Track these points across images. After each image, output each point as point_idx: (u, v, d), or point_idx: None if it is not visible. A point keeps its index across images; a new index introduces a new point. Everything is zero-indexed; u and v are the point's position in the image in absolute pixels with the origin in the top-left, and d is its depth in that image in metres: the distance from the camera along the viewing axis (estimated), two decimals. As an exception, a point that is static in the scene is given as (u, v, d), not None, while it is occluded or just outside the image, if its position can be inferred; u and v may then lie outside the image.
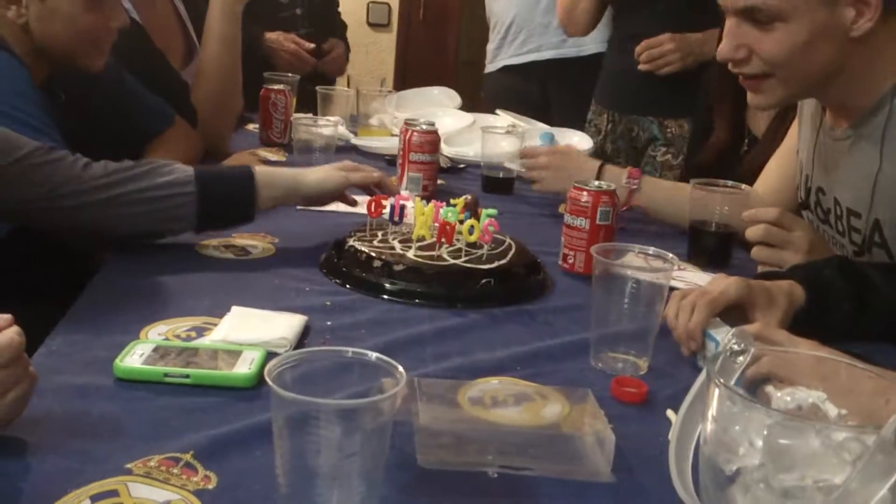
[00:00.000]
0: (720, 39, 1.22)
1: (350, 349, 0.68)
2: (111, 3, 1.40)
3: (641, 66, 2.18)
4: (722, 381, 0.60)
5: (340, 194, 1.37)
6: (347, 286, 1.18)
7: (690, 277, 1.31)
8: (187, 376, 0.87)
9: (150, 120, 1.60)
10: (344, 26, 2.78)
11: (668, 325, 1.03)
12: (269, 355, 0.92)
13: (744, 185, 1.42)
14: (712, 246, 1.41)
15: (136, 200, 1.18)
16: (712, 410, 0.61)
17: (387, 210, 1.26)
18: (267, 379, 0.63)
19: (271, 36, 2.44)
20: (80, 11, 1.35)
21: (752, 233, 1.25)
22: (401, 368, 0.65)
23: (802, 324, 1.03)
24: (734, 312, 1.02)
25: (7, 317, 0.75)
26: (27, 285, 1.30)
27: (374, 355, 0.67)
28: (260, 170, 1.27)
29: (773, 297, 1.04)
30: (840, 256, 1.19)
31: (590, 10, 2.31)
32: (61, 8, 1.34)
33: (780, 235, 1.23)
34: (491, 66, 2.79)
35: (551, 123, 2.37)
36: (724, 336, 0.96)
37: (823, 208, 1.32)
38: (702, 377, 0.67)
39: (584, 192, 1.28)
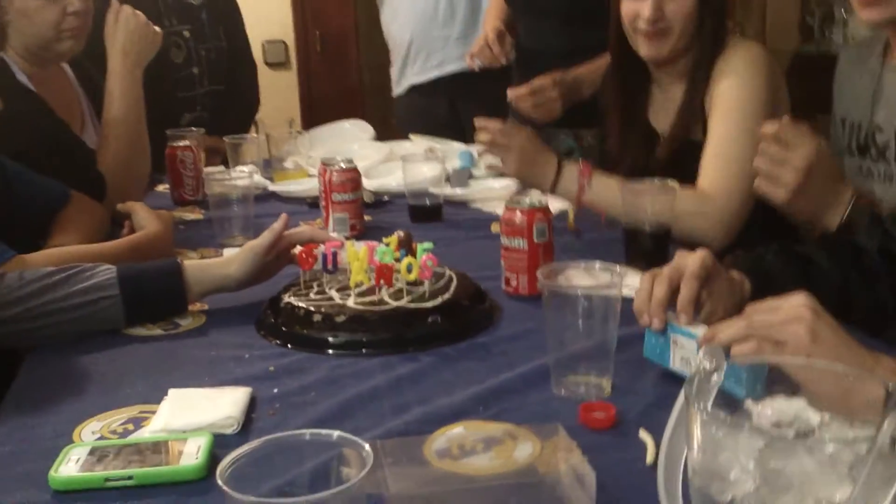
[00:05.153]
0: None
1: (308, 431, 0.63)
2: None
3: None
4: (702, 406, 0.57)
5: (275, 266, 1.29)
6: (289, 346, 1.13)
7: (635, 283, 1.29)
8: (130, 477, 0.80)
9: (42, 204, 1.48)
10: (253, 66, 2.67)
11: (639, 308, 1.00)
12: (217, 438, 0.86)
13: (670, 181, 1.42)
14: (649, 247, 1.39)
15: (56, 310, 1.11)
16: (696, 438, 0.58)
17: (319, 260, 1.20)
18: (219, 482, 0.58)
19: None
20: None
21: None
22: (367, 447, 0.60)
23: None
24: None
25: None
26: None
27: (335, 434, 0.62)
28: (189, 265, 1.21)
29: (733, 285, 1.03)
30: (781, 242, 1.18)
31: None
32: None
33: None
34: (398, 89, 2.75)
35: (464, 139, 2.35)
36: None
37: (879, 146, 1.38)
38: (680, 399, 0.64)
39: (518, 212, 1.25)
